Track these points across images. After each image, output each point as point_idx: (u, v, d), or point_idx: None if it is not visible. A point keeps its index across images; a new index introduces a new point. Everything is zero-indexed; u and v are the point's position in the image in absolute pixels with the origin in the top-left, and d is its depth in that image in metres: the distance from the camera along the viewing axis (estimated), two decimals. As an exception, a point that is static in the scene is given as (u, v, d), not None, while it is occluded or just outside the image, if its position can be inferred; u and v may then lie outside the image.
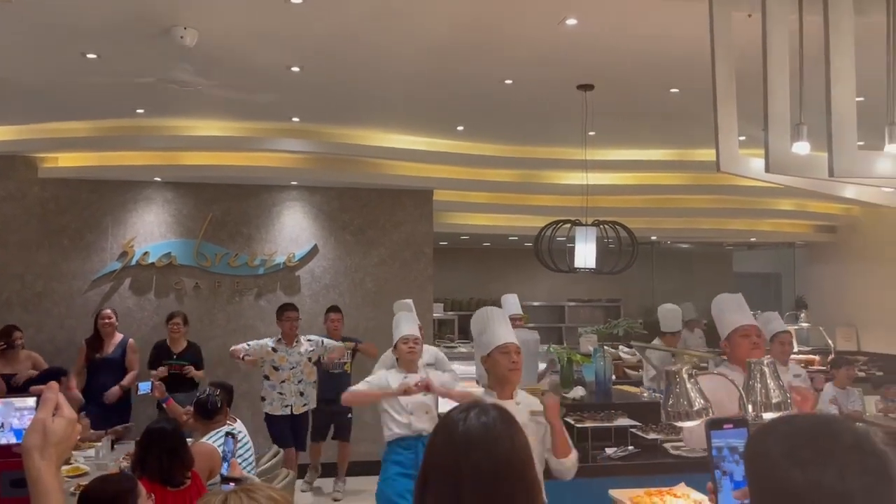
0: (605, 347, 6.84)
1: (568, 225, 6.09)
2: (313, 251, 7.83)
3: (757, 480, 1.12)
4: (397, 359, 4.49)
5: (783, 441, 1.09)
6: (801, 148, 2.69)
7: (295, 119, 6.69)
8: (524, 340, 5.37)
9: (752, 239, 10.32)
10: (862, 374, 8.01)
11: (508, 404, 3.52)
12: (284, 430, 6.27)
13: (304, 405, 6.43)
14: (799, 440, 1.08)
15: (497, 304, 12.47)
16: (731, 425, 1.45)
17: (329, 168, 7.41)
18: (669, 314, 6.75)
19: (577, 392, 5.43)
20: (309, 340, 6.51)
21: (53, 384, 1.26)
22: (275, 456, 4.87)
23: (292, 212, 7.85)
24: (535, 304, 12.05)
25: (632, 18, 4.30)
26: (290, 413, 6.32)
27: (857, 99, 4.02)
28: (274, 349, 6.35)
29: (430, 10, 4.20)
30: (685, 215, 8.86)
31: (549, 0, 4.06)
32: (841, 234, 9.69)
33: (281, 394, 6.30)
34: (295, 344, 6.42)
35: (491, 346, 3.28)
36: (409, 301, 6.28)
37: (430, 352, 6.06)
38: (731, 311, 3.38)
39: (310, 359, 6.45)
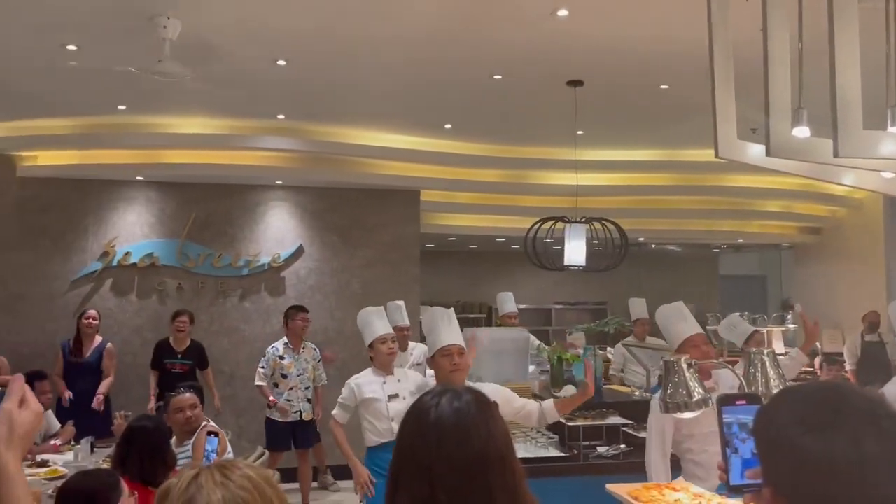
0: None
1: (558, 224, 6.03)
2: (298, 252, 7.71)
3: (767, 451, 1.05)
4: (372, 358, 4.24)
5: (793, 408, 1.03)
6: (802, 132, 2.65)
7: (280, 116, 6.59)
8: (513, 339, 5.32)
9: (740, 241, 10.32)
10: (846, 374, 8.00)
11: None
12: (283, 437, 6.20)
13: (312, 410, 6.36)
14: (809, 406, 1.02)
15: (485, 307, 12.34)
16: (743, 401, 1.39)
17: (315, 167, 7.30)
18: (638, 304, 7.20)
19: (568, 391, 5.35)
20: (313, 347, 6.49)
21: (19, 376, 1.25)
22: (260, 457, 4.75)
23: (277, 211, 7.73)
24: (522, 306, 11.91)
25: (626, 10, 4.26)
26: (299, 419, 6.24)
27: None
28: (281, 357, 6.25)
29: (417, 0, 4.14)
30: (674, 216, 8.83)
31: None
32: (826, 235, 9.71)
33: (289, 400, 6.21)
34: (302, 349, 6.34)
35: (434, 348, 3.31)
36: (401, 303, 6.21)
37: (421, 349, 5.96)
38: (677, 321, 3.43)
39: (314, 367, 6.38)
